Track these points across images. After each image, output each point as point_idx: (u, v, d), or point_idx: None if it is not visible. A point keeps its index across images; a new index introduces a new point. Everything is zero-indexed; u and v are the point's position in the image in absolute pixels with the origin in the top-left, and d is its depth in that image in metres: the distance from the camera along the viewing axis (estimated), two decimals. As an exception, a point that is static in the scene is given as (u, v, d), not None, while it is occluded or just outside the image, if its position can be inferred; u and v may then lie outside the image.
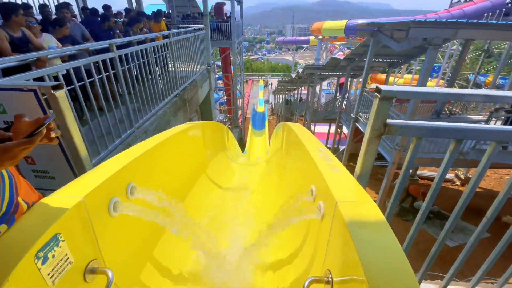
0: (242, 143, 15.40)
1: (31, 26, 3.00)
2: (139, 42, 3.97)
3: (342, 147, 14.69)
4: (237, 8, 15.09)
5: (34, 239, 0.68)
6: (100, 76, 2.84)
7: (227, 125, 17.45)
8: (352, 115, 8.68)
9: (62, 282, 0.76)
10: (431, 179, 11.07)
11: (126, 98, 3.21)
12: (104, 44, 3.02)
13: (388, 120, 0.87)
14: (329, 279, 0.84)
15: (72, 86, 2.29)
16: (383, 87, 0.82)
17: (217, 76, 24.31)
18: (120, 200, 1.03)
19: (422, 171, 11.09)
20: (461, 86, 19.96)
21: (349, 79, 14.05)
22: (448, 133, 0.88)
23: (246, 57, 67.96)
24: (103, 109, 2.90)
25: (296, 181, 1.62)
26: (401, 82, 20.80)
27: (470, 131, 0.87)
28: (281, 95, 26.98)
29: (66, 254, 0.78)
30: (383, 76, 20.90)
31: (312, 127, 18.86)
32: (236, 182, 2.65)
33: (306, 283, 0.83)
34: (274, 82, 37.63)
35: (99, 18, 4.56)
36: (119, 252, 1.10)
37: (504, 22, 4.93)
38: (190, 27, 6.42)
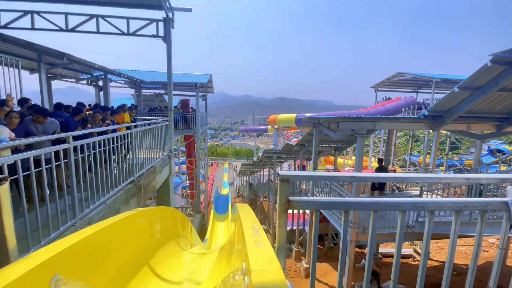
0: (204, 230, 14.38)
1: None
2: (101, 133, 4.19)
3: (307, 227, 14.61)
4: (202, 103, 17.06)
5: None
6: (49, 166, 2.84)
7: (188, 210, 16.56)
8: (308, 194, 9.17)
9: None
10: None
11: (74, 187, 3.12)
12: (59, 136, 3.16)
13: (290, 197, 1.11)
14: None
15: (16, 176, 2.26)
16: (281, 172, 1.10)
17: (181, 160, 24.59)
18: (39, 294, 0.99)
19: (384, 249, 11.20)
20: (401, 166, 23.08)
21: (305, 161, 15.42)
22: (336, 205, 1.15)
23: (212, 142, 71.58)
24: (44, 199, 2.76)
25: (236, 261, 1.67)
26: (351, 162, 23.33)
27: (352, 203, 1.15)
28: (245, 177, 27.65)
29: None
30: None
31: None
32: (183, 274, 2.48)
33: None
34: (238, 165, 39.01)
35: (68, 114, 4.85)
36: None
37: (409, 116, 6.48)
38: (155, 119, 7.01)
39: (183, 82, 14.78)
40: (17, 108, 5.15)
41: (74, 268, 1.28)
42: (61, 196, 2.94)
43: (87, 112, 4.90)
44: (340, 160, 21.35)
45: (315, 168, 9.89)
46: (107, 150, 4.05)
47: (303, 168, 16.16)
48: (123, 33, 7.20)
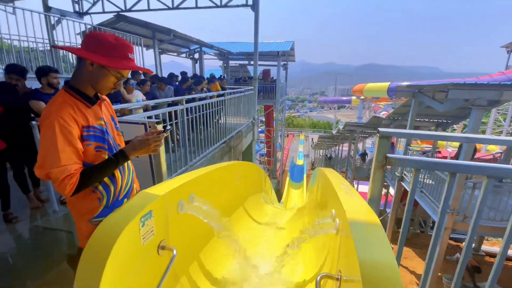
0: (278, 195, 15.34)
1: (129, 85, 4.10)
2: (201, 99, 4.92)
3: (390, 210, 13.52)
4: (283, 72, 17.03)
5: (140, 210, 1.09)
6: (171, 123, 3.61)
7: (265, 175, 17.76)
8: (396, 173, 8.33)
9: (146, 246, 1.12)
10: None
11: (186, 141, 3.90)
12: (175, 99, 3.90)
13: (388, 155, 1.14)
14: (339, 277, 1.03)
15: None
16: (381, 129, 1.12)
17: (260, 129, 25.99)
18: (185, 203, 1.42)
19: (489, 247, 9.33)
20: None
21: (394, 138, 13.75)
22: (441, 166, 1.10)
23: (288, 114, 71.57)
24: (167, 149, 3.59)
25: (322, 211, 1.83)
26: (456, 144, 19.32)
27: (461, 166, 1.08)
28: (321, 150, 27.04)
29: (152, 227, 1.15)
30: (433, 137, 19.80)
31: (355, 185, 17.99)
32: (268, 219, 2.86)
33: (318, 278, 1.04)
34: (314, 137, 38.21)
35: (177, 82, 5.84)
36: (180, 240, 1.43)
37: None
38: (241, 88, 7.60)
39: (265, 52, 14.98)
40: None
41: (201, 193, 1.71)
42: (177, 147, 3.76)
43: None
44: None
45: (408, 146, 8.77)
46: (206, 114, 4.76)
47: (392, 145, 14.52)
48: (216, 6, 7.75)
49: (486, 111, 5.68)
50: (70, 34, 5.88)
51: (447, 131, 18.50)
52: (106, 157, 1.13)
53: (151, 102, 3.64)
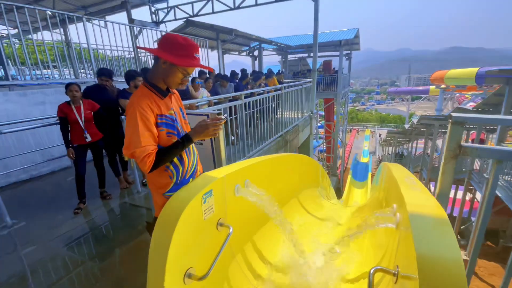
0: (339, 193, 14.58)
1: (195, 84, 4.54)
2: (259, 94, 5.07)
3: (474, 218, 11.32)
4: (345, 62, 15.95)
5: (202, 188, 1.24)
6: (231, 117, 3.86)
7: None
8: (485, 175, 6.94)
9: (207, 221, 1.27)
10: None
11: (244, 135, 4.12)
12: (235, 94, 4.13)
13: (463, 143, 0.99)
14: (396, 272, 0.96)
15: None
16: (454, 114, 0.98)
17: (319, 124, 25.01)
18: (240, 187, 1.54)
19: None
20: None
21: (484, 133, 11.44)
22: (539, 159, 0.89)
23: (352, 107, 66.67)
24: (228, 142, 3.85)
25: (384, 208, 1.70)
26: None
27: None
28: (390, 147, 24.40)
29: (212, 204, 1.29)
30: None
31: (432, 188, 15.66)
32: (324, 214, 2.79)
33: (372, 270, 0.99)
34: (382, 133, 34.71)
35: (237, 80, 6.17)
36: (236, 221, 1.56)
37: None
38: (298, 81, 7.48)
39: (326, 42, 14.26)
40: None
41: (255, 180, 1.80)
42: (237, 140, 4.00)
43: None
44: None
45: (501, 142, 7.20)
46: (263, 109, 4.89)
47: (481, 142, 12.07)
48: (276, 0, 7.79)
49: None
50: (149, 41, 6.85)
51: None
52: None
53: (214, 98, 3.96)
